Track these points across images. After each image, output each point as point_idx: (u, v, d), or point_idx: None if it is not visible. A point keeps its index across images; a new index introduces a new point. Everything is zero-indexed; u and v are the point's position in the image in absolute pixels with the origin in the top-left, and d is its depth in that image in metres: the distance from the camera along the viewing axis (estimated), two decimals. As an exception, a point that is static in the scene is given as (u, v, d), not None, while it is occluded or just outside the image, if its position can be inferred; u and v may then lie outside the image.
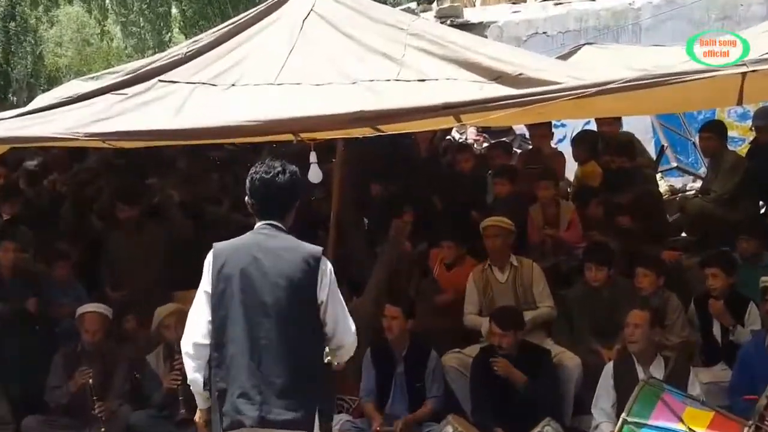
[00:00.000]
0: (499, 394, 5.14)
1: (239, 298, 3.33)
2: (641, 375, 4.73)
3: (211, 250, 3.46)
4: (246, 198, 3.52)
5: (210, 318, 3.37)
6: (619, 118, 7.56)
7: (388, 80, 4.43)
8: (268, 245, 3.39)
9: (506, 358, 5.14)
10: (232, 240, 3.49)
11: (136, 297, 6.41)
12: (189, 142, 4.93)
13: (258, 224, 3.49)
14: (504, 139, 9.44)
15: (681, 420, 3.99)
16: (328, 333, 3.40)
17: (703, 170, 9.11)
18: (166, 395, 5.41)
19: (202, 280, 3.44)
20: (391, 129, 4.30)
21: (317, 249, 3.41)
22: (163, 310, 5.62)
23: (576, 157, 7.31)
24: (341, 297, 3.43)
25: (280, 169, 3.43)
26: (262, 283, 3.32)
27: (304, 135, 4.22)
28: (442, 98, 3.96)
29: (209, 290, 3.39)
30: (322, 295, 3.35)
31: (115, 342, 5.98)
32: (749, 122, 8.01)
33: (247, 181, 3.49)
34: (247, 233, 3.50)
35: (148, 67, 4.92)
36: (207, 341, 3.36)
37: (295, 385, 3.30)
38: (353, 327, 3.44)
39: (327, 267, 3.39)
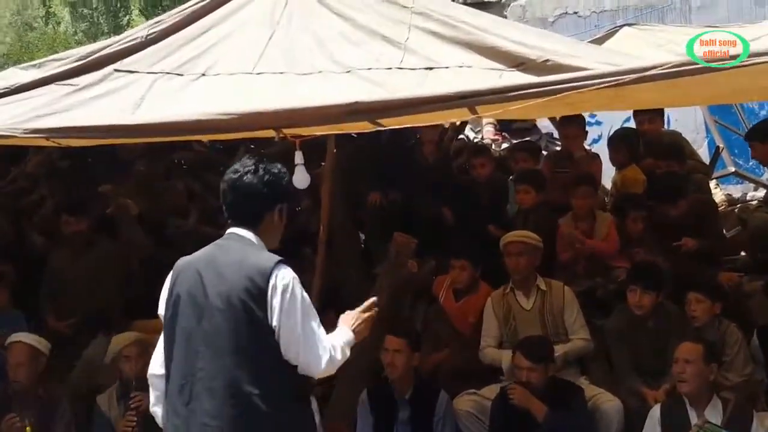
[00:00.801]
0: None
1: (183, 323, 3.41)
2: (694, 420, 4.74)
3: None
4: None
5: (163, 346, 3.49)
6: (662, 115, 7.59)
7: (389, 68, 4.43)
8: (216, 260, 3.43)
9: (530, 392, 5.15)
10: (195, 253, 3.57)
11: (86, 327, 6.41)
12: (150, 139, 4.93)
13: (225, 233, 3.56)
14: (528, 138, 9.43)
15: (742, 472, 3.96)
16: (292, 362, 3.35)
17: (766, 177, 9.13)
18: None
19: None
20: (393, 123, 4.29)
21: (267, 262, 3.35)
22: (121, 340, 5.60)
23: (614, 161, 7.31)
24: (308, 315, 3.35)
25: (251, 167, 3.47)
26: (203, 305, 3.37)
27: (287, 131, 4.22)
28: (454, 87, 3.96)
29: (162, 313, 3.52)
30: (274, 319, 3.29)
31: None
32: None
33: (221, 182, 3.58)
34: (211, 244, 3.57)
35: (101, 53, 4.91)
36: (162, 371, 3.48)
37: (235, 429, 3.29)
38: (324, 355, 3.34)
39: (280, 282, 3.30)
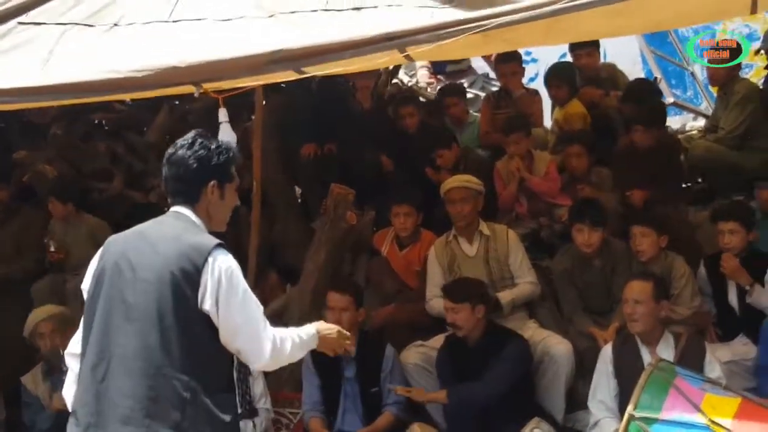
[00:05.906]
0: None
1: (106, 296, 3.24)
2: (646, 357, 4.74)
3: None
4: None
5: (83, 322, 3.34)
6: (598, 48, 7.56)
7: (315, 10, 4.28)
8: (149, 234, 3.31)
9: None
10: (131, 229, 3.42)
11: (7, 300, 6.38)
12: (61, 102, 4.74)
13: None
14: (463, 80, 9.39)
15: (700, 410, 3.94)
16: (232, 350, 3.23)
17: (704, 106, 9.21)
18: (54, 417, 5.26)
19: None
20: (319, 70, 4.16)
21: (206, 242, 3.21)
22: (36, 315, 5.53)
23: (555, 98, 7.28)
24: (248, 304, 3.20)
25: (188, 141, 3.38)
26: (130, 278, 3.20)
27: (208, 86, 4.06)
28: (383, 28, 3.84)
29: (85, 287, 3.37)
30: (206, 304, 3.13)
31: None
32: (757, 44, 8.06)
33: None
34: (150, 220, 3.44)
35: (3, 7, 4.68)
36: (79, 350, 3.32)
37: (147, 412, 3.09)
38: (268, 344, 3.20)
39: (217, 265, 3.15)
